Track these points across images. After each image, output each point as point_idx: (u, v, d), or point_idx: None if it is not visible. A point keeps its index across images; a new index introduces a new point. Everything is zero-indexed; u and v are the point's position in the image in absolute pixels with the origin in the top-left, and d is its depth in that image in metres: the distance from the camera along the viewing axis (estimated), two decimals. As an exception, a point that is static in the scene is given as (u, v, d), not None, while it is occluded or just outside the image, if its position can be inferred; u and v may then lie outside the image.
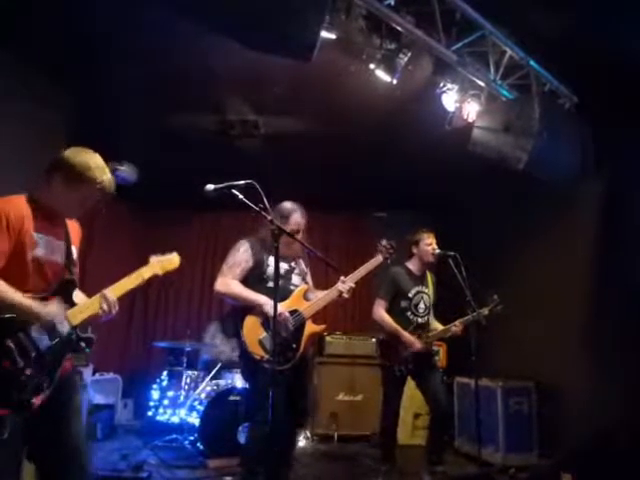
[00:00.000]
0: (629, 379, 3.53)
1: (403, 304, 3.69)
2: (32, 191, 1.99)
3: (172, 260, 2.32)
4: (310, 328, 3.00)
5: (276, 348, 2.75)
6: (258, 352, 2.81)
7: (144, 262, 2.24)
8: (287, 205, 3.07)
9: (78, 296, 2.08)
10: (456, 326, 3.58)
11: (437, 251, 3.69)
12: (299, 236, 2.97)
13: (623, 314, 3.65)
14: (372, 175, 5.47)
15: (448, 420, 3.73)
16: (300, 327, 2.94)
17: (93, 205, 2.06)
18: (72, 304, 1.97)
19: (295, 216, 3.04)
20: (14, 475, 2.14)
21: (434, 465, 3.55)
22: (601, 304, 3.90)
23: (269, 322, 2.82)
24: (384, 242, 3.28)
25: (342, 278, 3.06)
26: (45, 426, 1.90)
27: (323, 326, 3.13)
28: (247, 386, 3.62)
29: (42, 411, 1.83)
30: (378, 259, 3.24)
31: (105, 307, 2.01)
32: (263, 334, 2.85)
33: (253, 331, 2.85)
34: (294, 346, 2.90)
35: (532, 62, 3.38)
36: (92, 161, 2.00)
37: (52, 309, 1.88)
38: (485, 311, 3.52)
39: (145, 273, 2.18)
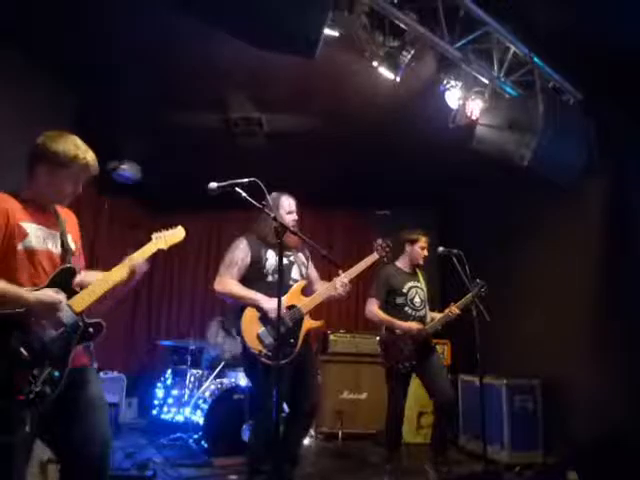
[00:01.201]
0: (635, 377, 3.51)
1: (399, 300, 3.71)
2: (17, 188, 1.97)
3: (176, 234, 2.30)
4: (308, 324, 3.01)
5: (276, 343, 2.76)
6: (256, 347, 2.83)
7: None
8: (272, 194, 3.06)
9: (89, 276, 2.08)
10: (452, 312, 3.57)
11: (440, 249, 3.69)
12: (293, 217, 3.06)
13: (629, 312, 3.63)
14: (375, 172, 5.46)
15: (454, 410, 3.72)
16: (298, 322, 2.96)
17: (82, 186, 2.05)
18: (72, 293, 1.95)
19: (283, 200, 3.10)
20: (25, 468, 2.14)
21: (439, 463, 3.55)
22: (606, 302, 3.88)
23: (267, 317, 2.85)
24: (380, 241, 3.31)
25: (340, 272, 3.09)
26: (62, 421, 1.90)
27: (321, 322, 3.14)
28: (250, 383, 3.62)
29: (58, 404, 1.83)
30: (374, 256, 3.27)
31: (136, 264, 2.04)
32: (261, 328, 2.87)
33: (251, 326, 2.88)
34: (292, 341, 2.91)
35: (536, 59, 3.37)
36: (72, 143, 2.00)
37: (45, 295, 1.81)
38: (469, 297, 3.51)
39: (148, 250, 2.16)
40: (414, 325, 3.59)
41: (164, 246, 2.22)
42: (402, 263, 3.85)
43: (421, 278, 3.87)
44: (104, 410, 2.04)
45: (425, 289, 3.84)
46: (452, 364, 5.18)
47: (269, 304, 2.82)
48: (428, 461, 3.63)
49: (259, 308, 2.88)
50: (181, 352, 5.17)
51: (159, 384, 5.27)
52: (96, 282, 2.00)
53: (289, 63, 3.14)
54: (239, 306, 2.97)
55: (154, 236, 2.22)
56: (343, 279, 3.06)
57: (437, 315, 3.79)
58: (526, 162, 3.34)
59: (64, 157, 1.96)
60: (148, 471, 3.54)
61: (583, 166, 3.65)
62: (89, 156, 2.02)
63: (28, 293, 1.80)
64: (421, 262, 3.77)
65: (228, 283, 2.96)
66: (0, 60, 3.38)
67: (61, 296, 1.87)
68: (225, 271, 3.01)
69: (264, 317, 2.87)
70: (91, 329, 1.98)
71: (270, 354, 2.80)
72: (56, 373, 1.83)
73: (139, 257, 2.11)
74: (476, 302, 3.44)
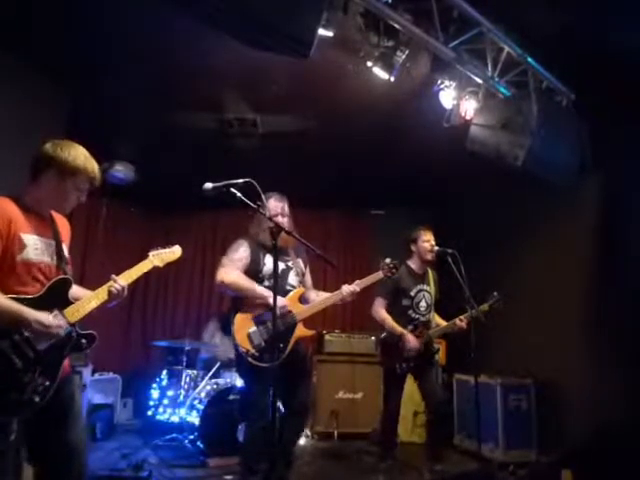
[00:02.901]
0: (627, 376, 3.54)
1: (405, 302, 3.69)
2: (17, 192, 1.98)
3: (173, 252, 2.35)
4: (300, 331, 3.01)
5: (267, 343, 2.82)
6: (245, 345, 2.84)
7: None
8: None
9: (78, 292, 2.08)
10: (460, 320, 3.58)
11: (436, 248, 3.69)
12: (282, 220, 3.03)
13: (622, 312, 3.65)
14: (370, 173, 5.47)
15: (445, 417, 3.73)
16: (290, 328, 2.96)
17: (84, 196, 2.08)
18: (68, 303, 1.96)
19: (270, 202, 3.06)
20: (15, 476, 2.14)
21: (434, 462, 3.56)
22: (600, 302, 3.91)
23: (260, 317, 2.86)
24: (388, 260, 3.25)
25: (345, 286, 3.10)
26: (45, 427, 1.90)
27: (312, 331, 3.15)
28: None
29: (42, 412, 1.83)
30: (378, 275, 3.23)
31: (117, 287, 2.03)
32: (252, 328, 2.88)
33: (244, 324, 2.89)
34: (281, 346, 2.90)
35: (530, 59, 3.38)
36: (81, 153, 2.02)
37: (44, 318, 1.83)
38: (485, 307, 3.55)
39: (144, 266, 2.20)
40: (414, 341, 3.54)
41: (160, 264, 2.27)
42: (413, 263, 3.82)
43: (431, 280, 3.84)
44: (82, 424, 2.07)
45: (433, 292, 3.82)
46: (447, 363, 5.20)
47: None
48: (424, 460, 3.64)
49: (254, 307, 2.88)
50: (176, 353, 5.15)
51: (154, 385, 5.26)
52: (89, 296, 2.01)
53: (283, 63, 3.14)
54: (234, 305, 2.97)
55: (151, 254, 2.26)
56: (355, 287, 3.07)
57: (442, 322, 3.81)
58: (520, 162, 3.36)
59: (73, 166, 1.97)
60: (143, 472, 3.53)
61: (577, 166, 3.67)
62: (95, 167, 2.05)
63: (28, 311, 1.80)
64: (430, 256, 3.71)
65: (234, 274, 2.96)
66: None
67: (59, 321, 1.87)
68: (230, 263, 3.01)
69: (258, 318, 2.87)
70: (84, 340, 1.99)
71: (257, 355, 2.81)
72: (47, 382, 1.84)
73: (130, 276, 2.13)
74: (473, 303, 3.44)
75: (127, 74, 3.81)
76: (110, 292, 2.03)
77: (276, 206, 3.09)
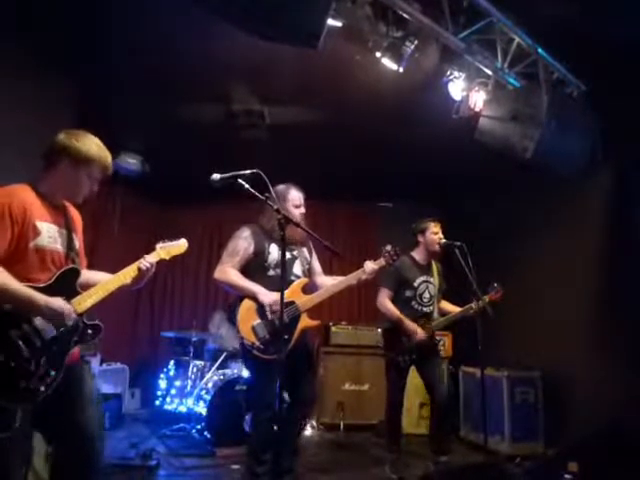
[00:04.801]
0: (635, 370, 3.52)
1: (408, 294, 3.69)
2: (34, 180, 2.00)
3: (179, 245, 2.37)
4: (304, 322, 3.00)
5: (272, 336, 2.82)
6: (250, 338, 2.83)
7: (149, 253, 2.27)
8: (280, 186, 3.05)
9: (96, 275, 2.13)
10: (472, 308, 3.52)
11: (443, 241, 3.67)
12: (300, 210, 3.04)
13: (629, 305, 3.63)
14: (377, 165, 5.44)
15: (448, 410, 3.73)
16: (294, 320, 2.95)
17: (96, 185, 2.10)
18: (75, 293, 1.98)
19: (292, 192, 3.07)
20: (25, 463, 2.16)
21: (439, 454, 3.57)
22: (609, 294, 3.89)
23: (264, 309, 2.85)
24: (389, 247, 3.19)
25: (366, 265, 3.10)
26: (56, 414, 1.92)
27: (318, 322, 3.12)
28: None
29: (53, 399, 1.85)
30: (380, 262, 3.17)
31: (146, 264, 2.13)
32: (257, 321, 2.87)
33: (248, 317, 2.88)
34: (286, 337, 2.87)
35: (540, 50, 3.34)
36: (94, 142, 2.06)
37: (56, 303, 1.85)
38: (486, 298, 3.51)
39: (150, 259, 2.22)
40: (420, 332, 3.54)
41: (166, 257, 2.30)
42: (418, 254, 3.80)
43: (435, 272, 3.82)
44: (95, 407, 2.09)
45: (437, 284, 3.80)
46: (453, 356, 5.20)
47: (267, 297, 2.83)
48: (429, 452, 3.65)
49: (257, 300, 2.88)
50: (184, 343, 5.20)
51: (162, 375, 5.31)
52: (100, 285, 2.03)
53: (292, 55, 3.12)
54: (239, 296, 2.97)
55: (158, 246, 2.29)
56: (361, 275, 3.07)
57: (447, 306, 3.81)
58: (529, 154, 3.32)
59: (87, 156, 2.00)
60: (151, 461, 3.57)
61: (586, 159, 3.63)
62: (109, 157, 2.08)
63: (39, 296, 1.82)
64: (437, 249, 3.69)
65: (228, 272, 2.96)
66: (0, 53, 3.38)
67: (70, 307, 1.89)
68: (227, 259, 3.00)
69: (261, 310, 2.87)
70: (90, 331, 2.01)
71: (262, 347, 2.81)
72: (52, 372, 1.86)
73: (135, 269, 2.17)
74: (480, 295, 3.42)
75: (135, 67, 3.80)
76: (140, 269, 2.11)
77: (297, 197, 3.09)
